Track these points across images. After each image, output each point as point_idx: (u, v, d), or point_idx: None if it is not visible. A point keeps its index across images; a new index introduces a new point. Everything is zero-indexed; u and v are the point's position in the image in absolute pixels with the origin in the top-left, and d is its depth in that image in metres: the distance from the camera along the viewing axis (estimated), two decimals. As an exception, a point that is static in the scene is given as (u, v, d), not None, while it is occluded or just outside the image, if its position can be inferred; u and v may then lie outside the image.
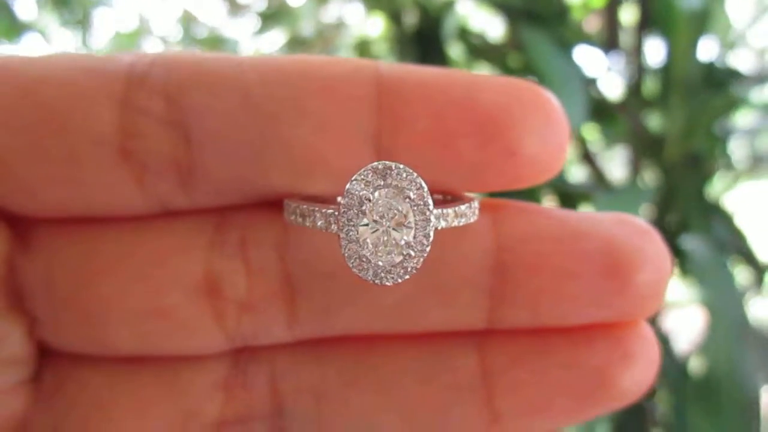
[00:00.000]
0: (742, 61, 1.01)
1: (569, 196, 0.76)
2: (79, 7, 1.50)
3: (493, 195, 0.19)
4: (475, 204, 0.17)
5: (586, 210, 0.76)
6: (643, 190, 0.70)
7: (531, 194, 0.63)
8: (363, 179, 0.16)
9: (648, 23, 0.78)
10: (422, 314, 0.18)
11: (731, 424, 0.54)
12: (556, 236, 0.18)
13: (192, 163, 0.17)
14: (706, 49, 0.75)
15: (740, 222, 0.72)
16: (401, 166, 0.16)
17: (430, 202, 0.16)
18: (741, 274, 0.73)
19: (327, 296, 0.18)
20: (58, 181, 0.17)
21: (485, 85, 0.17)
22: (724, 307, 0.59)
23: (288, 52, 1.04)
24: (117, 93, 0.17)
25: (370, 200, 0.16)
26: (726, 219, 0.71)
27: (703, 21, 0.69)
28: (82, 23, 1.53)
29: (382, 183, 0.16)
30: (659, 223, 0.71)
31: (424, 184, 0.16)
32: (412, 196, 0.16)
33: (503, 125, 0.17)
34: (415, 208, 0.16)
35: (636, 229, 0.18)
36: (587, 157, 0.80)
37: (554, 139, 0.17)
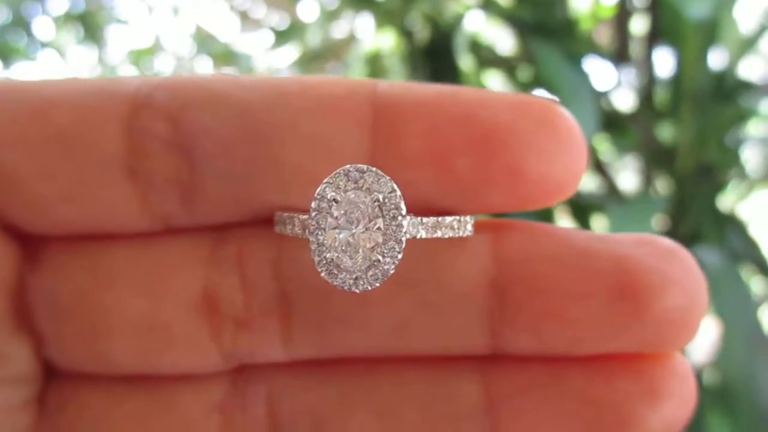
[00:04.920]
0: (753, 69, 1.00)
1: (581, 207, 0.76)
2: (95, 25, 1.53)
3: (502, 214, 0.18)
4: (467, 219, 0.17)
5: (599, 220, 0.76)
6: (656, 201, 0.69)
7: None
8: (333, 182, 0.16)
9: (658, 34, 0.79)
10: (418, 335, 0.17)
11: (747, 434, 0.54)
12: (561, 255, 0.16)
13: (193, 182, 0.17)
14: (717, 59, 0.75)
15: (754, 231, 0.71)
16: (373, 169, 0.16)
17: (403, 206, 0.16)
18: (755, 284, 0.73)
19: (321, 314, 0.18)
20: (68, 198, 0.17)
21: (489, 101, 0.16)
22: (738, 318, 0.59)
23: (300, 67, 1.05)
24: (123, 115, 0.17)
25: (337, 202, 0.16)
26: (739, 229, 0.71)
27: (712, 31, 0.70)
28: (98, 41, 1.56)
29: (353, 186, 0.16)
30: (672, 233, 0.71)
31: (396, 187, 0.16)
32: (381, 199, 0.16)
33: (503, 142, 0.16)
34: (386, 212, 0.16)
35: (657, 248, 0.16)
36: (599, 168, 0.80)
37: (565, 157, 0.16)
